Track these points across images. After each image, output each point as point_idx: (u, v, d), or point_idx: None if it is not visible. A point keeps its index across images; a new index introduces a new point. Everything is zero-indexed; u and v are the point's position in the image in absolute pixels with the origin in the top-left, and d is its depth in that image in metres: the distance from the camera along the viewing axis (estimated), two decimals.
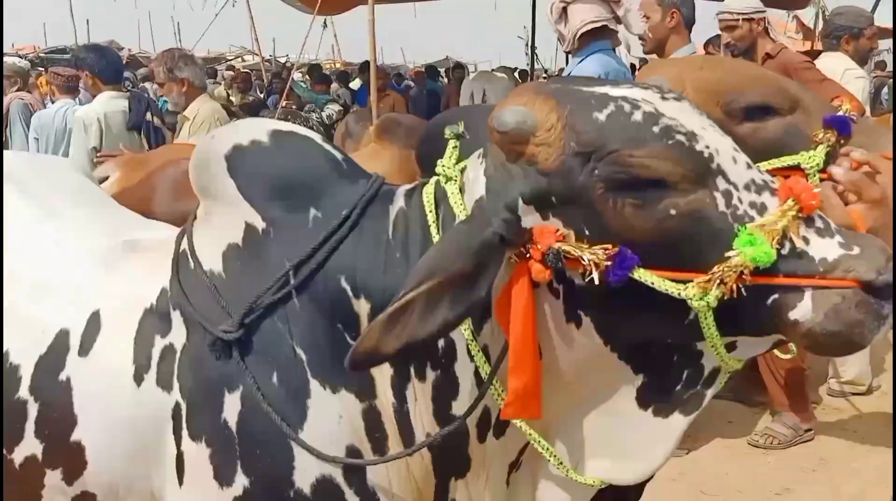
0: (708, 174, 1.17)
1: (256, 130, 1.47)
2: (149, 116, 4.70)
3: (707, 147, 1.17)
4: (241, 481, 1.34)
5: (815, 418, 4.03)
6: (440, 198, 1.35)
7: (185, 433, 1.38)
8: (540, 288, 1.24)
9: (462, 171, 1.35)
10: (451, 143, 1.40)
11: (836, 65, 4.10)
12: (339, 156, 1.49)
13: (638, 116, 1.17)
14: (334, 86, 11.96)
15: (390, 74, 12.20)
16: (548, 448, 1.34)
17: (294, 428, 1.33)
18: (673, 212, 1.15)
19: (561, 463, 1.35)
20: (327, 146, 1.50)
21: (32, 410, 1.49)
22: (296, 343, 1.35)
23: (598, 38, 3.38)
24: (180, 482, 1.39)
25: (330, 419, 1.34)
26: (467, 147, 1.40)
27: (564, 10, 3.38)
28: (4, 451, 1.52)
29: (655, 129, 1.16)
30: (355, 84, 12.35)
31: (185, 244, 1.49)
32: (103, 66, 4.38)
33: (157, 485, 1.43)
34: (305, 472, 1.33)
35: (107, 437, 1.43)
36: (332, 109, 8.25)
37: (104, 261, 1.58)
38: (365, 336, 1.16)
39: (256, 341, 1.36)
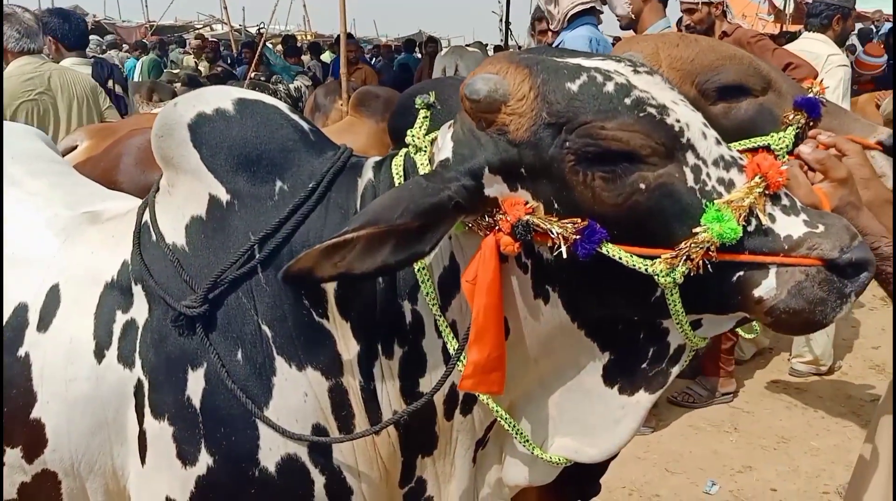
0: (678, 148, 1.16)
1: (221, 98, 1.43)
2: (111, 84, 4.57)
3: (678, 121, 1.16)
4: (204, 459, 1.32)
5: (733, 383, 4.19)
6: (409, 169, 1.33)
7: (147, 410, 1.35)
8: (507, 262, 1.23)
9: (432, 142, 1.33)
10: (422, 113, 1.38)
11: (819, 48, 4.05)
12: (306, 126, 1.45)
13: (610, 87, 1.15)
14: (305, 58, 11.77)
15: (363, 47, 12.02)
16: (514, 426, 1.34)
17: (259, 406, 1.30)
18: (642, 186, 1.14)
19: (527, 441, 1.35)
20: (294, 116, 1.46)
21: None
22: (261, 319, 1.32)
23: (584, 16, 3.82)
24: (143, 460, 1.37)
25: (296, 396, 1.32)
26: (439, 120, 1.37)
27: None
28: None
29: (627, 101, 1.14)
30: (326, 57, 12.16)
31: (146, 216, 1.44)
32: (66, 30, 4.25)
33: (119, 463, 1.40)
34: (270, 451, 1.31)
35: (67, 414, 1.39)
36: (302, 81, 8.11)
37: (64, 233, 1.53)
38: (303, 257, 1.16)
39: (221, 316, 1.33)
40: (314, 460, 1.33)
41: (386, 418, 1.34)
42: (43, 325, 1.43)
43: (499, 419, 1.34)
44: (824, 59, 3.98)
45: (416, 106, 1.39)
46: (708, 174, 1.16)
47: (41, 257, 1.50)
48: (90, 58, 4.36)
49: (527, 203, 1.18)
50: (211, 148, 1.38)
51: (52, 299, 1.44)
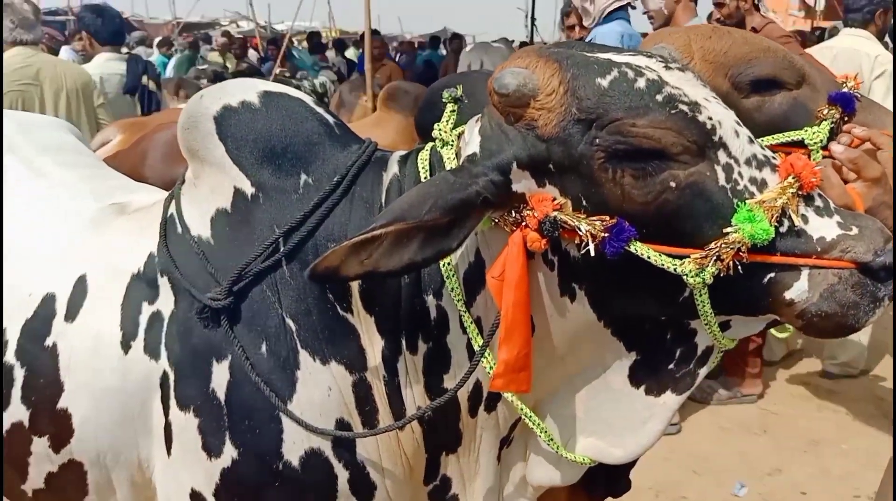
0: (710, 147, 1.13)
1: (247, 90, 1.42)
2: (145, 79, 4.59)
3: (710, 119, 1.14)
4: (229, 452, 1.32)
5: (758, 385, 4.11)
6: (436, 163, 1.31)
7: (172, 402, 1.35)
8: (534, 259, 1.21)
9: (459, 136, 1.31)
10: (449, 107, 1.36)
11: (866, 47, 3.85)
12: (330, 120, 1.44)
13: (641, 83, 1.13)
14: (330, 54, 11.81)
15: (388, 44, 12.04)
16: (539, 424, 1.32)
17: (283, 399, 1.30)
18: (673, 184, 1.12)
19: (551, 440, 1.33)
20: (319, 109, 1.45)
21: (19, 375, 1.46)
22: (285, 312, 1.32)
23: (618, 11, 3.98)
24: (168, 451, 1.37)
25: (319, 390, 1.31)
26: (467, 114, 1.36)
27: None
28: None
29: (659, 97, 1.12)
30: (351, 53, 12.19)
31: (172, 209, 1.45)
32: (99, 26, 4.31)
33: (144, 454, 1.40)
34: (294, 444, 1.31)
35: (93, 405, 1.40)
36: (327, 77, 8.13)
37: (92, 224, 1.54)
38: (330, 254, 1.14)
39: (245, 309, 1.32)
40: (338, 454, 1.32)
41: (410, 413, 1.33)
42: (70, 315, 1.44)
43: (523, 417, 1.32)
44: (873, 59, 3.85)
45: (444, 100, 1.38)
46: (740, 173, 1.14)
47: (69, 247, 1.51)
48: (125, 54, 4.38)
49: (554, 199, 1.16)
50: (236, 140, 1.37)
51: (80, 289, 1.45)
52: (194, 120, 1.41)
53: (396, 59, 12.35)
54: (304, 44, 12.92)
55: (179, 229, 1.41)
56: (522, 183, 1.18)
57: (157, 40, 12.22)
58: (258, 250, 1.32)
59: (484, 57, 8.60)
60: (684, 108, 1.12)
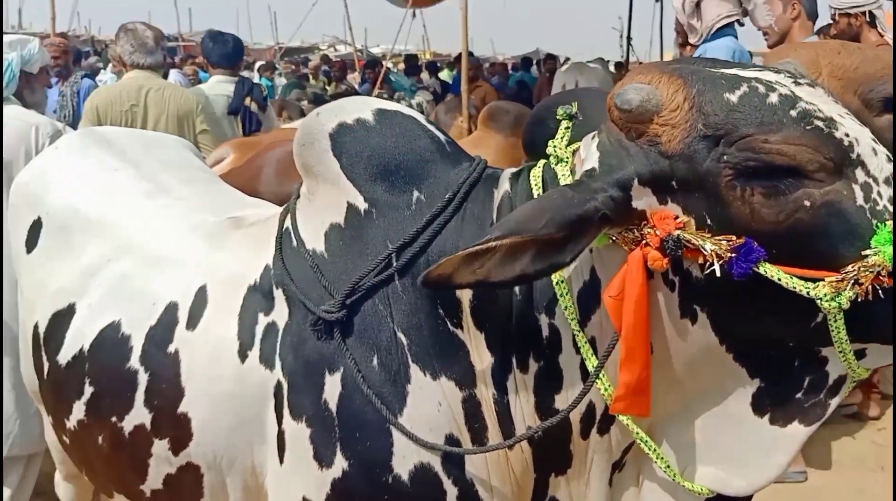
0: (847, 165, 1.08)
1: (362, 108, 1.46)
2: (247, 101, 4.77)
3: (847, 135, 1.09)
4: (340, 463, 1.33)
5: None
6: (549, 181, 1.30)
7: (286, 411, 1.38)
8: (654, 279, 1.18)
9: (574, 153, 1.30)
10: (564, 124, 1.35)
11: None
12: (442, 137, 1.46)
13: (773, 98, 1.09)
14: (424, 76, 12.01)
15: (482, 65, 12.16)
16: (655, 450, 1.28)
17: (393, 413, 1.31)
18: (807, 203, 1.07)
19: (668, 466, 1.28)
20: (431, 127, 1.47)
21: (142, 380, 1.53)
22: (397, 327, 1.33)
23: (726, 27, 3.90)
24: (281, 459, 1.40)
25: (430, 405, 1.31)
26: (578, 132, 1.34)
27: (698, 5, 3.84)
28: (115, 418, 1.56)
29: (793, 113, 1.08)
30: (444, 75, 12.36)
31: (288, 223, 1.49)
32: (210, 49, 4.59)
33: (258, 460, 1.44)
34: (404, 458, 1.31)
35: (211, 410, 1.45)
36: (423, 97, 8.27)
37: (210, 237, 1.61)
38: (444, 262, 1.15)
39: (358, 322, 1.34)
40: (447, 470, 1.32)
41: (519, 432, 1.31)
42: (191, 324, 1.50)
43: (639, 441, 1.28)
44: None
45: (558, 116, 1.37)
46: (879, 193, 1.08)
47: (190, 259, 1.58)
48: (235, 76, 4.58)
49: (677, 217, 1.13)
50: (350, 157, 1.41)
51: (200, 299, 1.51)
52: (311, 137, 1.46)
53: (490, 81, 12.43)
54: (399, 66, 13.19)
55: (294, 243, 1.44)
56: (643, 200, 1.15)
57: (258, 64, 12.78)
58: (371, 264, 1.34)
59: (580, 77, 8.54)
60: (820, 124, 1.08)
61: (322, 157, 1.43)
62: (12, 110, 2.71)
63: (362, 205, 1.39)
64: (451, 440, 1.32)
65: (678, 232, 1.12)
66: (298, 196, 1.52)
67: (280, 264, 1.44)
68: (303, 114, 5.80)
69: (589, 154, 1.22)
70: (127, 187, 1.79)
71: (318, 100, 7.07)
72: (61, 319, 1.70)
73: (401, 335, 1.33)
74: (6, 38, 2.96)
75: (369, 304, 1.35)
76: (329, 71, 11.82)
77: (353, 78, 11.04)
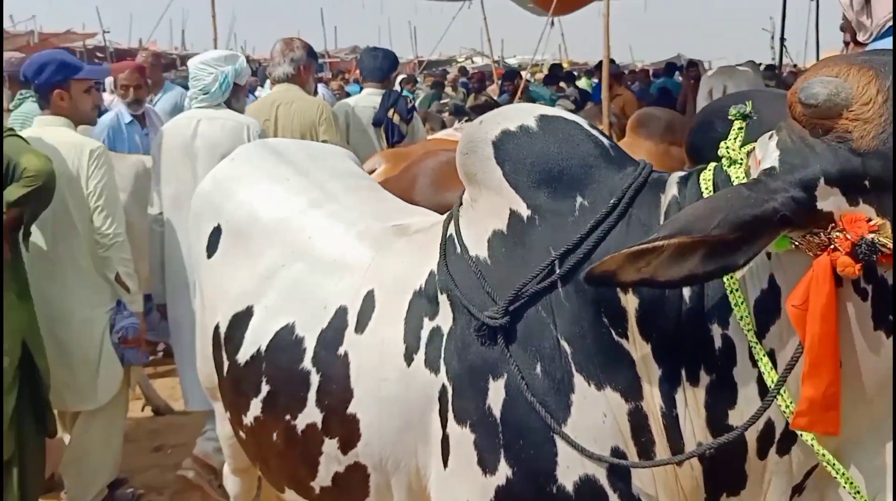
0: None
1: (525, 114, 1.46)
2: (391, 112, 4.92)
3: None
4: (504, 470, 1.33)
5: None
6: (721, 184, 1.25)
7: (450, 415, 1.39)
8: (842, 287, 1.10)
9: (748, 154, 1.23)
10: (737, 124, 1.29)
11: None
12: (605, 142, 1.43)
13: None
14: (562, 84, 11.91)
15: (623, 72, 11.91)
16: (843, 473, 1.19)
17: (558, 422, 1.29)
18: None
19: (858, 492, 1.19)
20: (594, 132, 1.45)
21: (314, 380, 1.60)
22: (560, 335, 1.32)
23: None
24: (445, 463, 1.41)
25: (594, 416, 1.29)
26: (750, 134, 1.28)
27: (867, 1, 3.54)
28: (288, 416, 1.64)
29: None
30: (583, 83, 12.21)
31: (451, 229, 1.51)
32: (363, 64, 4.86)
33: (422, 463, 1.47)
34: (569, 469, 1.29)
35: (378, 412, 1.49)
36: (563, 105, 8.19)
37: (376, 243, 1.66)
38: (609, 259, 1.12)
39: (521, 329, 1.34)
40: (613, 484, 1.28)
41: (689, 448, 1.26)
42: (360, 327, 1.55)
43: (824, 463, 1.19)
44: None
45: (730, 116, 1.31)
46: None
47: (358, 264, 1.64)
48: (384, 89, 4.75)
49: (870, 220, 1.06)
50: (513, 164, 1.41)
51: (368, 304, 1.56)
52: (473, 145, 1.47)
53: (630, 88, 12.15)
54: (537, 76, 13.17)
55: (458, 249, 1.46)
56: (830, 201, 1.08)
57: (400, 78, 13.16)
58: (534, 271, 1.33)
59: (728, 81, 8.14)
60: None
61: (485, 164, 1.44)
62: (227, 113, 3.34)
63: (525, 212, 1.38)
64: (617, 452, 1.28)
65: (872, 235, 1.05)
66: (461, 204, 1.55)
67: (444, 270, 1.46)
68: (444, 125, 5.91)
69: (767, 153, 1.16)
70: (298, 195, 1.88)
71: (459, 111, 7.16)
72: (240, 320, 1.81)
73: (564, 344, 1.31)
74: (221, 53, 3.52)
75: (532, 311, 1.34)
76: (467, 83, 12.00)
77: (492, 90, 11.12)
